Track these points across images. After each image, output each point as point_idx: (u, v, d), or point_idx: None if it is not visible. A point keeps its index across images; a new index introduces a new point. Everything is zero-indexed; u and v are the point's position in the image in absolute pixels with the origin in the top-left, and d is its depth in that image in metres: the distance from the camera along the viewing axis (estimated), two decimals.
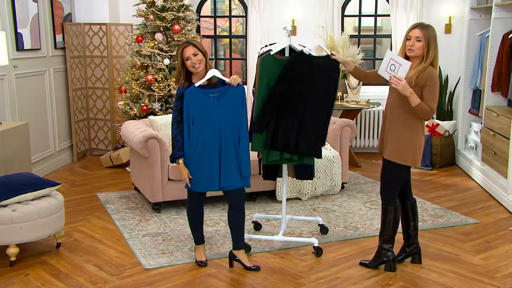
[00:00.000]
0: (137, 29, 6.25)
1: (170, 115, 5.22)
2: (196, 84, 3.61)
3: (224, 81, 3.69)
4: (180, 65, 3.62)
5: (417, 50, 3.52)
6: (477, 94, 6.45)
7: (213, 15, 8.00)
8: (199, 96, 3.59)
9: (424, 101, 3.49)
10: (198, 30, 7.44)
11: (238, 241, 3.81)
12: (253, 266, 3.79)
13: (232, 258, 3.84)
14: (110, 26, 6.87)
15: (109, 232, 4.54)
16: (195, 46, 3.59)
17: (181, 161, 3.62)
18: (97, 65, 7.00)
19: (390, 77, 3.47)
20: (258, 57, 3.98)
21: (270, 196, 5.37)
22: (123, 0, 7.21)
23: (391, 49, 7.16)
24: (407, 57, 3.58)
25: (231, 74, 7.77)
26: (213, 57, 7.95)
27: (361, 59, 6.91)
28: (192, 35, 6.16)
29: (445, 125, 6.67)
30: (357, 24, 7.57)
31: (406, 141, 3.55)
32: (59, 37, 6.62)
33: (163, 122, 5.14)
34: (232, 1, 7.67)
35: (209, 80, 3.64)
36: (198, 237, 3.90)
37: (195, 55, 3.58)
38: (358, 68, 3.97)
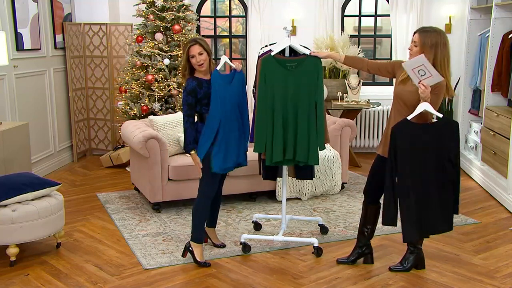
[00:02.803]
0: (137, 29, 6.25)
1: (170, 115, 5.27)
2: (218, 68, 3.80)
3: (231, 66, 3.90)
4: (186, 61, 3.78)
5: (414, 54, 3.46)
6: (477, 94, 6.45)
7: (213, 15, 8.00)
8: (221, 81, 3.76)
9: None
10: (198, 30, 7.44)
11: (216, 219, 4.20)
12: (221, 244, 4.18)
13: (206, 235, 4.15)
14: (110, 26, 6.87)
15: (109, 232, 4.54)
16: (202, 45, 3.75)
17: (193, 152, 3.77)
18: (97, 65, 7.00)
19: (420, 81, 3.37)
20: (259, 57, 3.98)
21: (270, 196, 5.37)
22: (123, 0, 7.21)
23: (391, 49, 7.18)
24: None
25: None
26: (213, 57, 7.95)
27: None
28: (192, 35, 6.17)
29: None
30: (357, 24, 7.57)
31: None
32: (59, 37, 6.62)
33: (163, 122, 5.14)
34: (232, 1, 7.67)
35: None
36: (202, 235, 3.91)
37: (200, 54, 3.73)
38: (350, 57, 3.94)
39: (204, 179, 3.84)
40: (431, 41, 3.42)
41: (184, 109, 3.75)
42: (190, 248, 3.88)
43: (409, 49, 3.56)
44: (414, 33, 3.52)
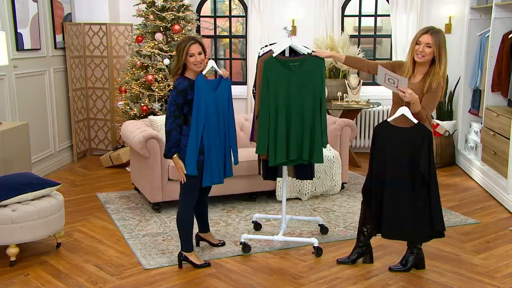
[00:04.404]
0: (137, 29, 6.25)
1: None
2: (204, 72, 3.68)
3: (216, 72, 3.81)
4: (183, 60, 3.62)
5: (427, 56, 3.48)
6: (477, 94, 6.45)
7: (213, 15, 8.00)
8: (206, 86, 3.64)
9: (422, 105, 3.49)
10: (198, 30, 7.44)
11: (207, 224, 4.15)
12: (219, 243, 4.16)
13: (201, 239, 4.18)
14: (110, 26, 6.87)
15: (109, 232, 4.54)
16: (201, 45, 3.65)
17: (175, 155, 3.63)
18: (97, 65, 7.00)
19: (397, 88, 3.45)
20: (259, 57, 3.97)
21: (270, 196, 5.37)
22: (123, 0, 7.21)
23: (391, 49, 7.18)
24: (414, 62, 3.56)
25: (231, 74, 7.77)
26: (213, 57, 7.95)
27: None
28: (192, 35, 6.16)
29: (445, 125, 6.67)
30: (357, 24, 7.57)
31: None
32: (59, 37, 6.62)
33: (163, 122, 5.13)
34: (232, 1, 7.67)
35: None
36: (191, 242, 3.84)
37: (199, 53, 3.63)
38: (351, 58, 3.97)
39: (184, 188, 3.74)
40: (443, 41, 3.48)
41: (170, 109, 3.57)
42: (185, 260, 3.82)
43: (419, 53, 3.48)
44: (422, 33, 3.49)
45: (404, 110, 3.50)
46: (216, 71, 3.81)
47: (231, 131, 3.84)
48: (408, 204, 3.55)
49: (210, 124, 3.65)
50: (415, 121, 3.49)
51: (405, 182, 3.54)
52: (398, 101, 3.62)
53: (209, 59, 3.82)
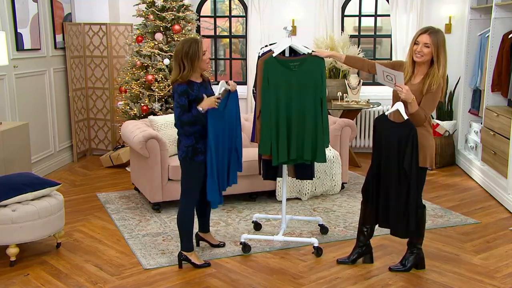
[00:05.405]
0: (137, 29, 6.25)
1: (170, 115, 5.24)
2: (216, 94, 3.68)
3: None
4: (200, 61, 3.59)
5: (425, 56, 3.48)
6: (477, 94, 6.45)
7: (213, 15, 8.00)
8: (218, 113, 3.67)
9: (421, 106, 3.49)
10: (198, 30, 7.45)
11: (208, 225, 4.18)
12: (220, 243, 4.16)
13: (201, 239, 4.18)
14: (110, 26, 6.87)
15: (109, 232, 4.54)
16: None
17: (201, 102, 3.58)
18: (97, 65, 7.00)
19: (395, 85, 3.47)
20: (259, 57, 3.97)
21: (270, 196, 5.37)
22: (123, 0, 7.21)
23: (391, 49, 7.19)
24: (413, 62, 3.57)
25: (231, 74, 7.78)
26: (213, 57, 7.95)
27: None
28: (192, 35, 6.17)
29: (445, 125, 6.67)
30: (357, 24, 7.57)
31: (424, 143, 3.54)
32: (59, 37, 6.62)
33: (163, 122, 5.14)
34: (232, 1, 7.67)
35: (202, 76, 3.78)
36: (191, 242, 3.85)
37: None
38: (351, 57, 3.97)
39: (185, 189, 3.75)
40: (442, 41, 3.48)
41: (177, 111, 3.55)
42: (185, 260, 3.82)
43: (418, 53, 3.49)
44: (420, 34, 3.50)
45: (399, 105, 3.52)
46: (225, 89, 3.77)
47: (238, 142, 3.87)
48: (394, 199, 3.60)
49: (219, 144, 3.68)
50: (405, 117, 3.51)
51: (393, 177, 3.59)
52: (397, 100, 3.62)
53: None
